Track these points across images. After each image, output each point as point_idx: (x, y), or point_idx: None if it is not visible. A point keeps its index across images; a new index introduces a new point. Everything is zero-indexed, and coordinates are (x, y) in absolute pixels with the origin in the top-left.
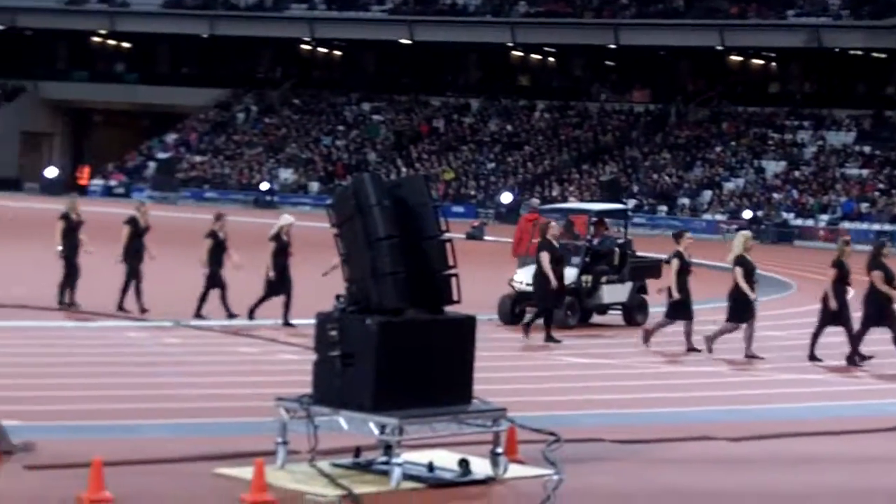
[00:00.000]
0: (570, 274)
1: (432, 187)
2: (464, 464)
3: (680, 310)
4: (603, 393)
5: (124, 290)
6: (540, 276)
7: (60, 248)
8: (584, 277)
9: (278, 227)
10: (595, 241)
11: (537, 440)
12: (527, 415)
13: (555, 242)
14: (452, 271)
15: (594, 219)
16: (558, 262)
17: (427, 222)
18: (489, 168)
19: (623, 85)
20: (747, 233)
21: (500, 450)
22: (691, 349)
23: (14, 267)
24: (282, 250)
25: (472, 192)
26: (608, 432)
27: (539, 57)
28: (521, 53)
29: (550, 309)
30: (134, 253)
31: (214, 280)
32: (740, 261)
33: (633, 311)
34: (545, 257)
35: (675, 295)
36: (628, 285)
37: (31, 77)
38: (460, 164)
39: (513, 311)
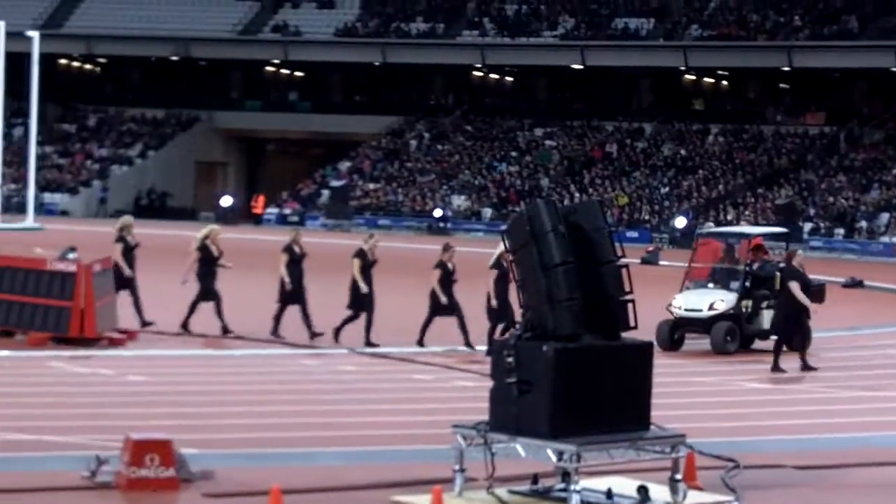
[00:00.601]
0: (729, 299)
1: (606, 212)
2: (643, 490)
3: None
4: (783, 418)
5: (346, 321)
6: (786, 304)
7: (287, 280)
8: (743, 303)
9: (497, 254)
10: (755, 266)
11: (716, 466)
12: (705, 440)
13: (802, 269)
14: (629, 297)
15: (753, 243)
16: (806, 289)
17: (602, 248)
18: (663, 192)
19: (797, 107)
20: None
21: (679, 476)
22: None
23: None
24: (504, 276)
25: (646, 217)
26: (789, 458)
27: (712, 80)
28: (693, 77)
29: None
30: (367, 284)
31: (443, 309)
32: None
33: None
34: (796, 287)
35: None
36: None
37: (205, 107)
38: (634, 188)
39: (671, 336)
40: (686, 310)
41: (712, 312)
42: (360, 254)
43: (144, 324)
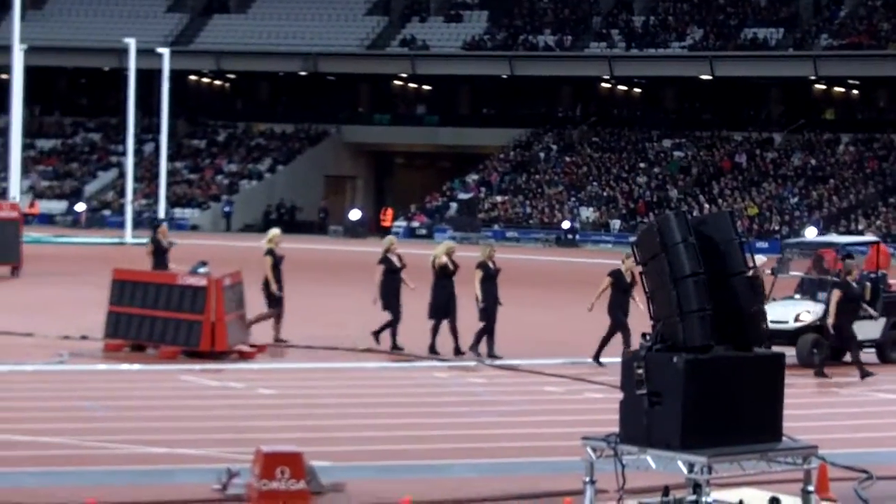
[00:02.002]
0: (816, 310)
1: (736, 223)
2: (775, 502)
3: None
4: None
5: (602, 345)
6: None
7: (480, 297)
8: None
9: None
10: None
11: (849, 478)
12: (837, 452)
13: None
14: (760, 307)
15: (843, 253)
16: (852, 301)
17: (733, 258)
18: (793, 203)
19: None
20: None
21: (811, 488)
22: None
23: (336, 309)
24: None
25: (776, 227)
26: None
27: (842, 89)
28: (823, 86)
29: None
30: (618, 306)
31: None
32: None
33: (887, 348)
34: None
35: None
36: (881, 321)
37: (333, 121)
38: (764, 199)
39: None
40: (772, 321)
41: (798, 324)
42: (615, 274)
43: (395, 347)
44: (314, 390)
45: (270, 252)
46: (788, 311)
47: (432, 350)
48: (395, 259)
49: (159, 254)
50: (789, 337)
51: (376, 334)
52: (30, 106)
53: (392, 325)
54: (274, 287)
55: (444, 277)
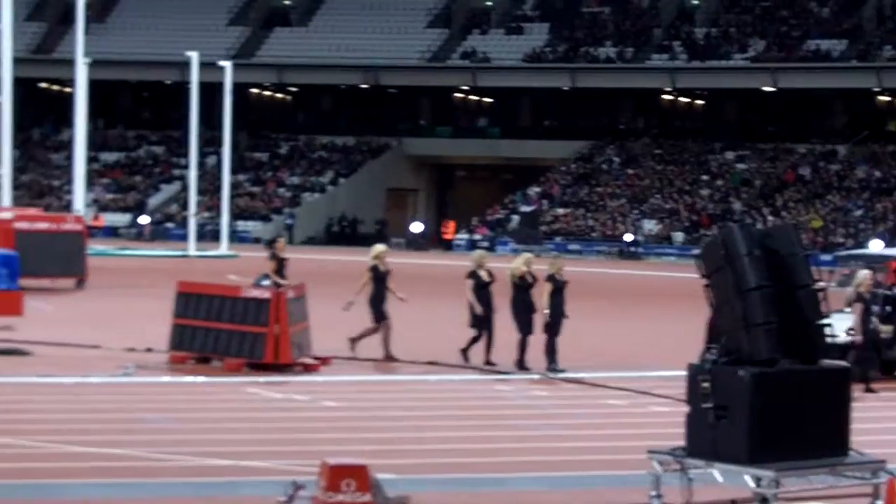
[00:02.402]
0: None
1: (800, 235)
2: None
3: None
4: None
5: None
6: None
7: (547, 311)
8: (884, 328)
9: None
10: (895, 289)
11: None
12: None
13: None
14: (826, 321)
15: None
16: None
17: (799, 271)
18: (857, 215)
19: None
20: None
21: (879, 502)
22: None
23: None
24: None
25: (841, 240)
26: None
27: None
28: (887, 98)
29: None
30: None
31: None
32: None
33: None
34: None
35: None
36: None
37: (395, 134)
38: (827, 211)
39: None
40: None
41: (850, 338)
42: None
43: (489, 363)
44: (378, 402)
45: (373, 268)
46: (839, 325)
47: (521, 365)
48: (483, 274)
49: (280, 269)
50: (840, 351)
51: (519, 363)
52: (93, 119)
53: (477, 340)
54: (354, 297)
55: (522, 290)
